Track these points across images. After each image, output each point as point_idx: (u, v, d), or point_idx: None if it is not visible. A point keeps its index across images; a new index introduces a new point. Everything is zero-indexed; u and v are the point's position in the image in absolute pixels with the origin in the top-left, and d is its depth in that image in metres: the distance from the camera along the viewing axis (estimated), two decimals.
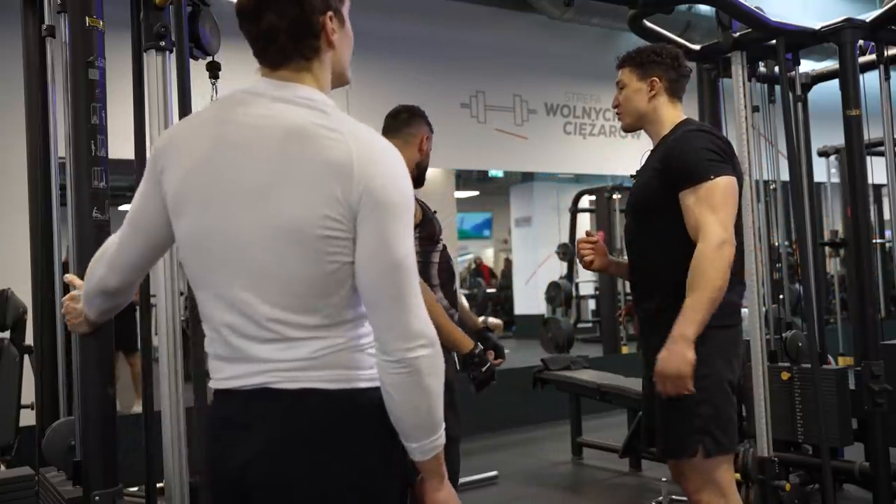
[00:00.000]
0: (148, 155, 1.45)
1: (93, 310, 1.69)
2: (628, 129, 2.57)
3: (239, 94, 1.38)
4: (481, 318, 5.16)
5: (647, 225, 2.41)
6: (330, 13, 1.34)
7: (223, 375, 1.38)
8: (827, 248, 5.37)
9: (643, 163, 2.53)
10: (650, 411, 2.44)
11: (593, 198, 9.83)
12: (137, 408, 5.85)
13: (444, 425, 1.35)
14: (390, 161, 1.30)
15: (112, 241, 1.57)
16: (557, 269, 10.75)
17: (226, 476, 1.37)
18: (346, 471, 1.31)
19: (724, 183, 2.25)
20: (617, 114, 2.56)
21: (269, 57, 1.36)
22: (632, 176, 2.61)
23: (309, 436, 1.30)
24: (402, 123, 2.67)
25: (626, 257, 2.61)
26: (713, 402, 2.26)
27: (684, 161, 2.29)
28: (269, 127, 1.31)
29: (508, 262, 17.21)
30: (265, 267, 1.29)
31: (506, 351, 2.85)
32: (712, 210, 2.22)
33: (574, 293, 10.02)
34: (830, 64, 4.34)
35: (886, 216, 8.62)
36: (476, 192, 15.04)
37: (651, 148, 2.52)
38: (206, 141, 1.34)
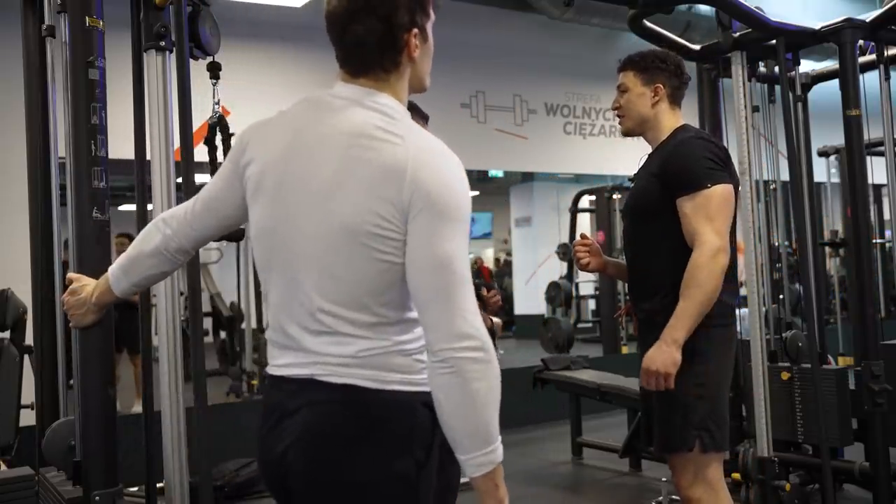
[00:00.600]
0: (235, 143, 1.52)
1: (129, 279, 1.67)
2: (628, 133, 2.58)
3: (321, 96, 1.44)
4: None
5: (645, 228, 2.46)
6: (415, 30, 1.39)
7: (278, 363, 1.45)
8: (827, 248, 5.37)
9: (641, 166, 2.56)
10: (649, 410, 2.47)
11: (593, 198, 9.83)
12: (138, 408, 5.88)
13: (499, 440, 1.31)
14: (446, 167, 1.33)
15: (174, 214, 1.61)
16: (557, 269, 10.75)
17: (271, 459, 1.42)
18: (369, 469, 1.34)
19: (721, 191, 2.31)
20: (618, 116, 2.57)
21: (351, 64, 1.41)
22: (630, 179, 2.66)
23: (341, 429, 1.35)
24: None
25: (624, 258, 2.63)
26: (711, 398, 2.33)
27: (682, 168, 2.34)
28: (338, 129, 1.37)
29: (498, 262, 17.23)
30: (323, 262, 1.35)
31: (500, 352, 2.85)
32: (708, 218, 2.28)
33: (574, 293, 10.01)
34: (830, 64, 4.34)
35: (886, 216, 8.61)
36: (476, 192, 15.08)
37: (648, 152, 2.54)
38: (285, 137, 1.41)
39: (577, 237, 2.69)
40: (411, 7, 1.38)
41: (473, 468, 1.30)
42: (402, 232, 1.31)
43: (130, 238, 7.37)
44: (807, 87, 4.33)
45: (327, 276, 1.35)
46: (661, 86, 2.48)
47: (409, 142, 1.32)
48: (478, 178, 13.02)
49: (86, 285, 1.80)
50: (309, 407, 1.37)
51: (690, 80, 2.59)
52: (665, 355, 2.24)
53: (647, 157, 2.55)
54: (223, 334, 8.35)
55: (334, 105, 1.40)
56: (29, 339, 3.12)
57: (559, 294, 9.51)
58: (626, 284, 2.61)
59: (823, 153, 5.92)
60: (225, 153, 4.58)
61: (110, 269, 1.71)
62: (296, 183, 1.38)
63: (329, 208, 1.34)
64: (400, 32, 1.37)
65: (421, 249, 1.30)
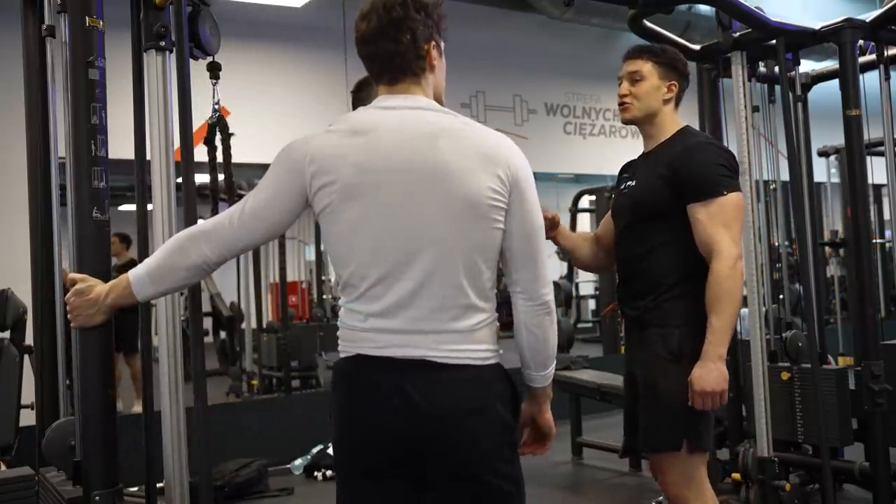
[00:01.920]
0: (287, 160, 1.65)
1: (157, 287, 1.73)
2: (633, 121, 2.51)
3: (369, 110, 1.67)
4: None
5: (649, 228, 2.43)
6: (433, 42, 1.68)
7: (380, 343, 1.60)
8: (827, 248, 5.37)
9: (638, 164, 2.54)
10: (634, 409, 2.47)
11: (593, 198, 9.83)
12: (137, 408, 5.87)
13: None
14: (516, 149, 1.66)
15: (215, 224, 1.69)
16: (557, 269, 10.76)
17: (389, 437, 1.58)
18: (501, 433, 1.62)
19: (735, 199, 2.32)
20: (624, 103, 2.48)
21: (388, 74, 1.67)
22: (622, 174, 2.60)
23: (473, 404, 1.58)
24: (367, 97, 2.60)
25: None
26: None
27: (697, 174, 2.33)
28: (417, 129, 1.61)
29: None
30: (447, 236, 1.58)
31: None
32: (725, 227, 2.28)
33: (574, 293, 10.03)
34: (830, 64, 4.34)
35: (886, 216, 8.61)
36: None
37: (644, 149, 2.52)
38: (359, 147, 1.60)
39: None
40: (429, 24, 1.66)
41: (546, 380, 1.76)
42: (507, 202, 1.60)
43: (120, 237, 7.28)
44: (807, 87, 4.33)
45: (452, 249, 1.58)
46: (675, 84, 2.47)
47: (482, 130, 1.64)
48: None
49: (93, 286, 1.80)
50: (428, 389, 1.56)
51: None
52: (714, 374, 2.23)
53: (644, 155, 2.52)
54: (223, 334, 8.36)
55: (394, 111, 1.63)
56: (29, 339, 3.12)
57: (559, 294, 9.52)
58: (616, 281, 2.60)
59: (823, 153, 5.91)
60: (224, 153, 4.59)
61: (133, 273, 1.73)
62: (398, 178, 1.58)
63: (447, 189, 1.57)
64: (422, 43, 1.65)
65: (523, 219, 1.63)
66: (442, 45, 1.72)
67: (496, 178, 1.59)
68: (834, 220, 6.85)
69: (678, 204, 2.34)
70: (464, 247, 1.59)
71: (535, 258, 1.66)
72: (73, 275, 1.88)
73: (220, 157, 4.46)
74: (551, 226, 2.52)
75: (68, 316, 1.86)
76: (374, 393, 1.59)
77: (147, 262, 1.72)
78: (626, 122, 2.54)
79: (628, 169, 2.59)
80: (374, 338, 1.60)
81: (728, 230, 2.28)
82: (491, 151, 1.61)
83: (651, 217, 2.42)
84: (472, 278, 1.60)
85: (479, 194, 1.58)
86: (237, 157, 4.52)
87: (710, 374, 2.24)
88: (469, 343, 1.60)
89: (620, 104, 2.50)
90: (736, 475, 3.85)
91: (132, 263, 2.27)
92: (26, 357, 3.33)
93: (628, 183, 2.53)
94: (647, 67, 2.46)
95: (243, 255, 6.91)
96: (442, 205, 1.57)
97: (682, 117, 2.53)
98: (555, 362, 1.75)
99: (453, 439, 1.57)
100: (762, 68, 3.91)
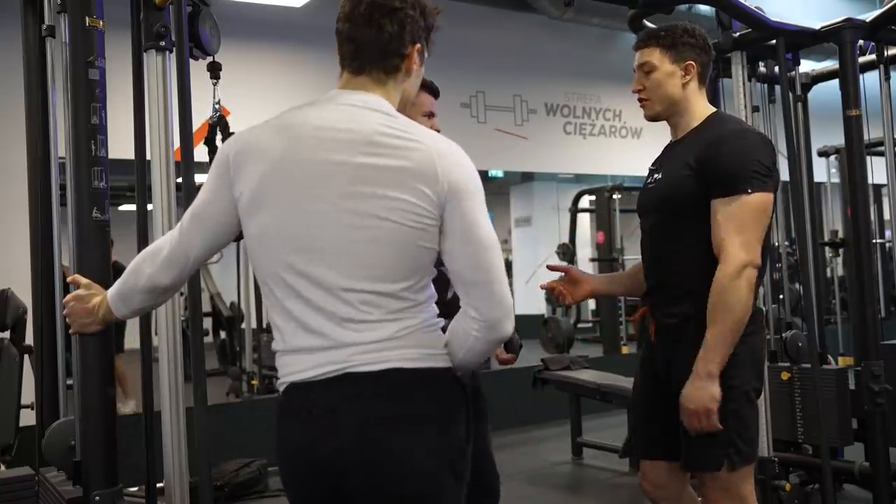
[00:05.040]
0: (218, 156, 1.56)
1: (128, 307, 1.71)
2: (655, 118, 2.29)
3: (311, 102, 1.53)
4: None
5: (678, 226, 2.21)
6: (418, 46, 1.56)
7: (300, 367, 1.47)
8: (827, 248, 5.36)
9: (665, 156, 2.33)
10: (652, 420, 2.31)
11: (593, 198, 9.82)
12: (125, 408, 5.88)
13: None
14: (463, 159, 1.50)
15: (164, 241, 1.63)
16: None
17: (317, 462, 1.45)
18: (440, 444, 1.45)
19: (760, 200, 2.08)
20: (641, 100, 2.28)
21: (357, 61, 1.53)
22: (652, 168, 2.36)
23: (402, 412, 1.43)
24: None
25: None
26: (739, 413, 2.14)
27: (725, 165, 2.09)
28: (345, 128, 1.46)
29: None
30: (358, 253, 1.43)
31: (521, 343, 2.47)
32: (739, 229, 2.06)
33: None
34: (830, 64, 4.33)
35: (886, 216, 8.61)
36: None
37: (673, 139, 2.31)
38: (281, 143, 1.48)
39: (546, 266, 2.43)
40: (420, 25, 1.54)
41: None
42: (438, 220, 1.44)
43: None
44: (807, 87, 4.33)
45: (361, 265, 1.43)
46: (692, 63, 2.23)
47: (424, 141, 1.46)
48: None
49: (94, 294, 1.80)
50: (352, 402, 1.42)
51: (716, 55, 2.31)
52: (702, 392, 2.04)
53: (671, 145, 2.31)
54: (223, 334, 8.36)
55: (329, 106, 1.50)
56: (29, 339, 3.12)
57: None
58: (646, 286, 2.34)
59: (823, 153, 5.91)
60: None
61: (109, 294, 1.73)
62: (310, 183, 1.45)
63: (359, 205, 1.42)
64: (407, 41, 1.52)
65: (463, 235, 1.45)
66: (426, 54, 1.60)
67: (422, 195, 1.42)
68: (834, 220, 6.84)
69: (707, 199, 2.11)
70: (379, 268, 1.44)
71: (487, 281, 1.45)
72: (78, 277, 1.87)
73: None
74: (574, 282, 2.37)
75: (67, 320, 1.86)
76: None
77: (118, 281, 1.71)
78: (650, 119, 2.31)
79: (656, 162, 2.36)
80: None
81: (740, 234, 2.05)
82: (421, 167, 1.43)
83: (679, 214, 2.19)
84: (391, 298, 1.45)
85: (401, 213, 1.42)
86: None
87: (696, 391, 2.05)
88: (397, 350, 1.45)
89: (639, 101, 2.29)
90: None
91: (114, 266, 2.29)
92: (26, 357, 3.32)
93: (655, 176, 2.30)
94: (654, 55, 2.24)
95: (243, 255, 6.92)
96: (353, 221, 1.43)
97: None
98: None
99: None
100: (762, 68, 3.90)
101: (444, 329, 1.53)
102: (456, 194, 1.44)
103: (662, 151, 2.36)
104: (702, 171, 2.13)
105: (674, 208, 2.21)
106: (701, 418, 2.05)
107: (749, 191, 2.07)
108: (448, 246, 1.46)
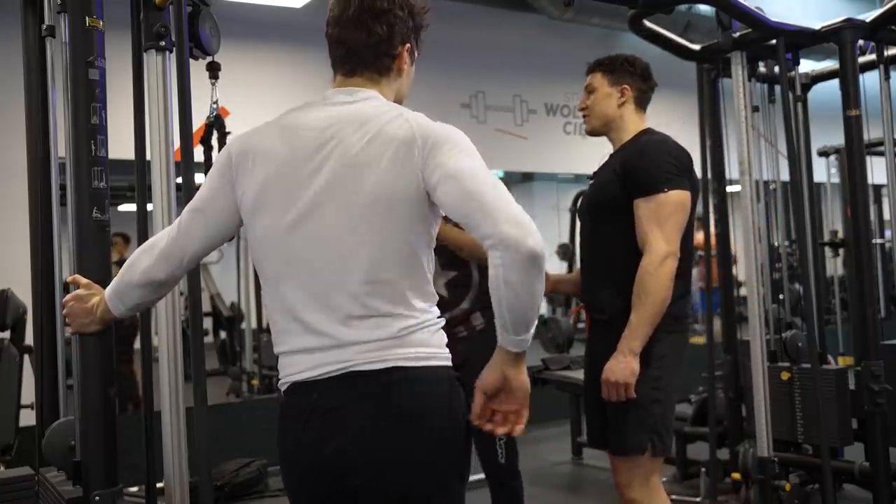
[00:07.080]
0: (221, 155, 1.58)
1: (125, 304, 1.71)
2: (593, 132, 2.61)
3: (310, 103, 1.57)
4: None
5: (604, 227, 2.47)
6: (408, 46, 1.59)
7: (302, 367, 1.48)
8: (827, 248, 5.37)
9: (601, 166, 2.60)
10: (595, 409, 2.48)
11: None
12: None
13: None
14: (444, 127, 1.49)
15: (161, 236, 1.64)
16: (557, 269, 10.76)
17: (319, 461, 1.46)
18: (441, 442, 1.46)
19: (676, 197, 2.33)
20: (584, 116, 2.61)
21: (349, 64, 1.56)
22: (589, 178, 2.66)
23: (404, 411, 1.43)
24: None
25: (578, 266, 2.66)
26: (664, 403, 2.36)
27: (642, 169, 2.37)
28: (339, 124, 1.48)
29: None
30: (358, 247, 1.44)
31: None
32: (659, 224, 2.31)
33: None
34: (830, 64, 4.34)
35: (886, 216, 8.61)
36: None
37: (610, 152, 2.59)
38: (284, 146, 1.50)
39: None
40: (409, 26, 1.57)
41: (527, 343, 1.43)
42: (424, 171, 1.43)
43: (123, 237, 7.35)
44: (807, 87, 4.33)
45: (362, 259, 1.44)
46: (627, 87, 2.52)
47: (405, 115, 1.48)
48: None
49: (94, 294, 1.80)
50: (356, 400, 1.43)
51: (657, 85, 2.61)
52: (623, 366, 2.27)
53: (608, 156, 2.59)
54: (223, 334, 8.35)
55: (327, 107, 1.53)
56: (29, 339, 3.12)
57: (559, 294, 9.51)
58: (582, 285, 2.61)
59: (823, 153, 5.91)
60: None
61: (106, 292, 1.73)
62: (311, 182, 1.47)
63: (355, 197, 1.44)
64: (397, 42, 1.55)
65: (446, 173, 1.41)
66: (416, 53, 1.63)
67: (411, 166, 1.44)
68: (834, 220, 6.84)
69: (629, 202, 2.38)
70: (382, 261, 1.45)
71: (482, 198, 1.36)
72: (78, 277, 1.87)
73: (216, 157, 4.46)
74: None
75: (66, 320, 1.86)
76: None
77: (114, 279, 1.71)
78: (590, 133, 2.62)
79: (594, 173, 2.64)
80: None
81: (661, 227, 2.30)
82: (405, 137, 1.45)
83: (604, 215, 2.46)
84: (394, 288, 1.46)
85: (394, 190, 1.44)
86: None
87: (618, 365, 2.27)
88: (398, 349, 1.46)
89: (582, 116, 2.62)
90: (736, 475, 3.85)
91: (120, 262, 2.29)
92: (26, 357, 3.33)
93: (590, 183, 2.61)
94: (596, 78, 2.56)
95: (243, 254, 6.92)
96: (352, 210, 1.45)
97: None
98: (535, 323, 1.44)
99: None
100: (762, 68, 3.91)
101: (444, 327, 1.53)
102: (434, 147, 1.43)
103: (601, 164, 2.62)
104: (624, 175, 2.40)
105: (599, 211, 2.49)
106: (619, 389, 2.27)
107: (666, 189, 2.32)
108: (438, 195, 1.42)
